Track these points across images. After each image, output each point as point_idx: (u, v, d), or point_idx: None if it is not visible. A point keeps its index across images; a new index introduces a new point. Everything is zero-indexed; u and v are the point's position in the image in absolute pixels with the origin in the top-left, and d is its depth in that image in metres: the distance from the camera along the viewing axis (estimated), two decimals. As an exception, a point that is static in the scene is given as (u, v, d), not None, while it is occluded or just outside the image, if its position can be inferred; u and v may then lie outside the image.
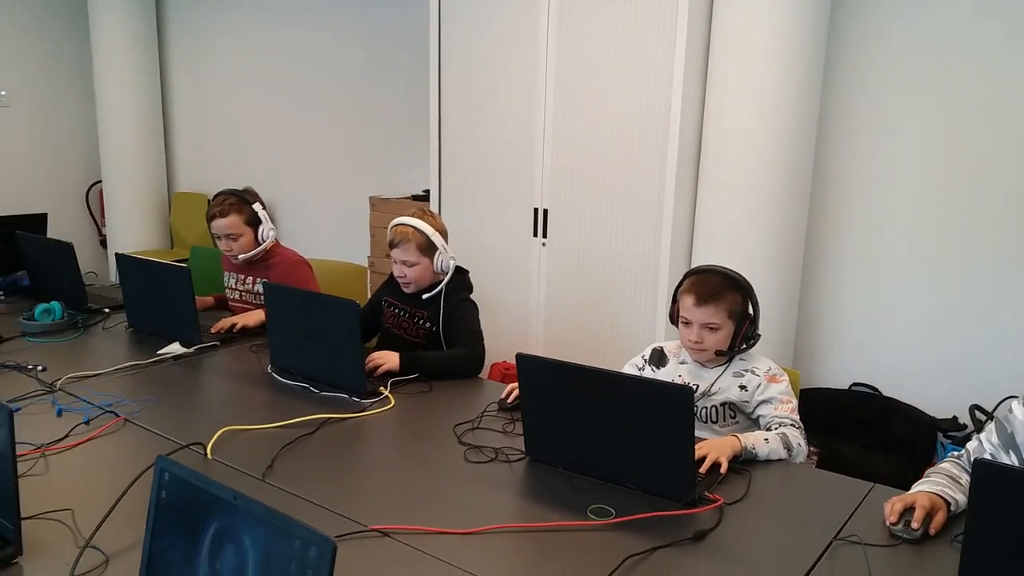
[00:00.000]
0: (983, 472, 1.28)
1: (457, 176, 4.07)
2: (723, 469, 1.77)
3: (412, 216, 2.58)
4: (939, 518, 1.55)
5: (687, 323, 2.11)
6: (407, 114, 4.92)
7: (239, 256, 2.97)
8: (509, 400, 2.18)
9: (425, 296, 2.56)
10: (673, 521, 1.59)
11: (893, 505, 1.59)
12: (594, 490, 1.71)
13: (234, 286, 3.11)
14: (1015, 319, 3.13)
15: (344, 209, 5.45)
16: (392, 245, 2.56)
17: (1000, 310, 3.17)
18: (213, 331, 2.77)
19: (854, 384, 3.54)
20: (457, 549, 1.48)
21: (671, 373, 2.21)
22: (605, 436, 1.72)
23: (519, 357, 1.80)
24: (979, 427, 3.06)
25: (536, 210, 3.78)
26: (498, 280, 3.91)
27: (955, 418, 3.24)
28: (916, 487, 1.66)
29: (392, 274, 2.68)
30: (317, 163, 5.64)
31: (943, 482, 1.64)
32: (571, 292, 3.74)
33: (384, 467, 1.89)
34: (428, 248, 2.53)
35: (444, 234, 2.58)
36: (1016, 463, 1.64)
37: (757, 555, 1.50)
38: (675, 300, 2.16)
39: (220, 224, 2.95)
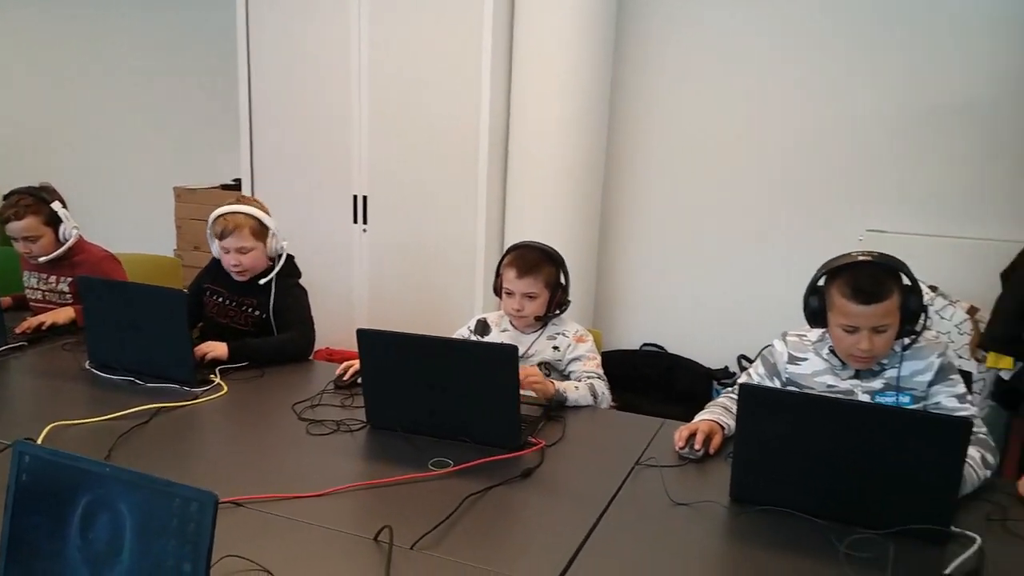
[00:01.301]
0: (745, 393, 1.61)
1: (271, 164, 4.06)
2: (531, 381, 2.09)
3: (237, 203, 2.59)
4: (716, 440, 1.90)
5: (510, 293, 2.35)
6: (213, 102, 4.79)
7: (40, 258, 2.82)
8: (345, 377, 2.30)
9: (261, 282, 2.58)
10: (504, 464, 1.80)
11: (680, 432, 1.91)
12: (433, 447, 1.88)
13: (36, 286, 2.94)
14: (771, 285, 3.69)
15: (147, 201, 5.20)
16: (222, 235, 2.54)
17: (760, 277, 3.72)
18: (19, 331, 2.62)
19: (644, 344, 4.00)
20: (309, 510, 1.60)
21: (494, 340, 2.43)
22: (441, 397, 1.90)
23: (360, 332, 1.94)
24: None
25: (355, 197, 3.87)
26: (318, 267, 3.93)
27: (726, 368, 3.78)
28: (697, 417, 2.00)
29: (211, 264, 2.67)
30: (117, 155, 5.33)
31: (719, 411, 1.99)
32: (394, 276, 3.89)
33: (227, 447, 1.95)
34: (261, 232, 2.55)
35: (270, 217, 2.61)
36: (779, 386, 2.03)
37: (575, 484, 1.76)
38: (498, 274, 2.39)
39: (16, 227, 2.77)
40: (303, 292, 2.66)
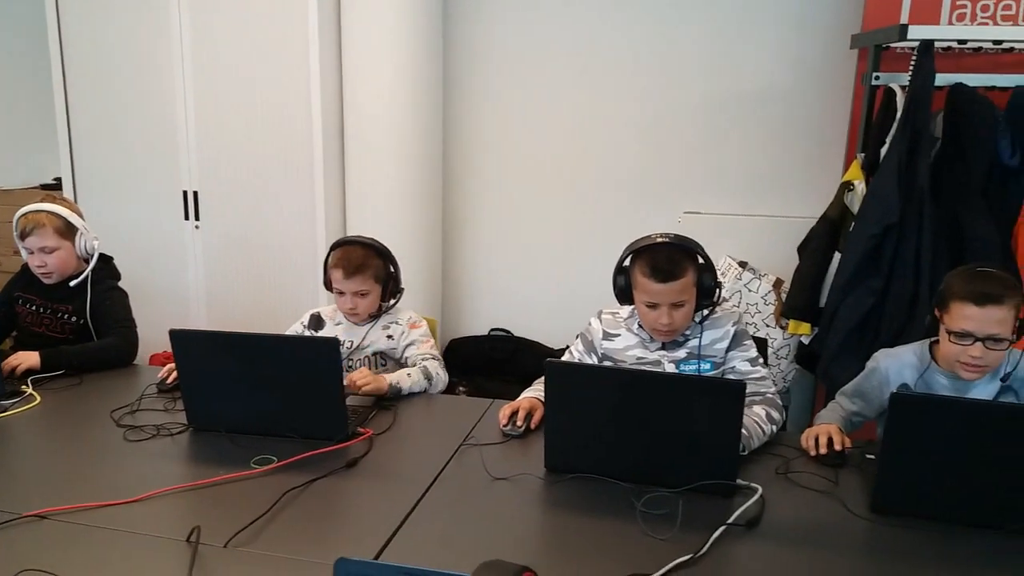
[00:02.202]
0: (550, 369, 1.71)
1: (94, 161, 3.83)
2: (366, 389, 2.11)
3: (41, 202, 2.45)
4: (537, 415, 2.00)
5: (341, 293, 2.35)
6: (27, 98, 4.46)
7: None
8: (168, 380, 2.23)
9: (72, 284, 2.45)
10: (330, 456, 1.82)
11: (503, 411, 2.01)
12: (258, 445, 1.87)
13: None
14: (600, 268, 3.83)
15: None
16: (24, 235, 2.40)
17: (590, 261, 3.89)
18: None
19: (493, 329, 4.10)
20: (121, 517, 1.56)
21: (328, 334, 2.43)
22: (263, 394, 1.89)
23: (172, 333, 1.89)
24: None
25: (185, 192, 3.73)
26: (149, 267, 3.79)
27: (567, 347, 3.93)
28: (522, 395, 2.10)
29: (22, 270, 2.52)
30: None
31: (540, 388, 2.10)
32: (232, 274, 3.78)
33: (36, 459, 1.86)
34: (67, 231, 2.42)
35: (80, 217, 2.49)
36: (596, 361, 2.16)
37: (400, 469, 1.81)
38: (326, 271, 2.39)
39: None
40: (123, 295, 2.55)
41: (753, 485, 1.69)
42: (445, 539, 1.52)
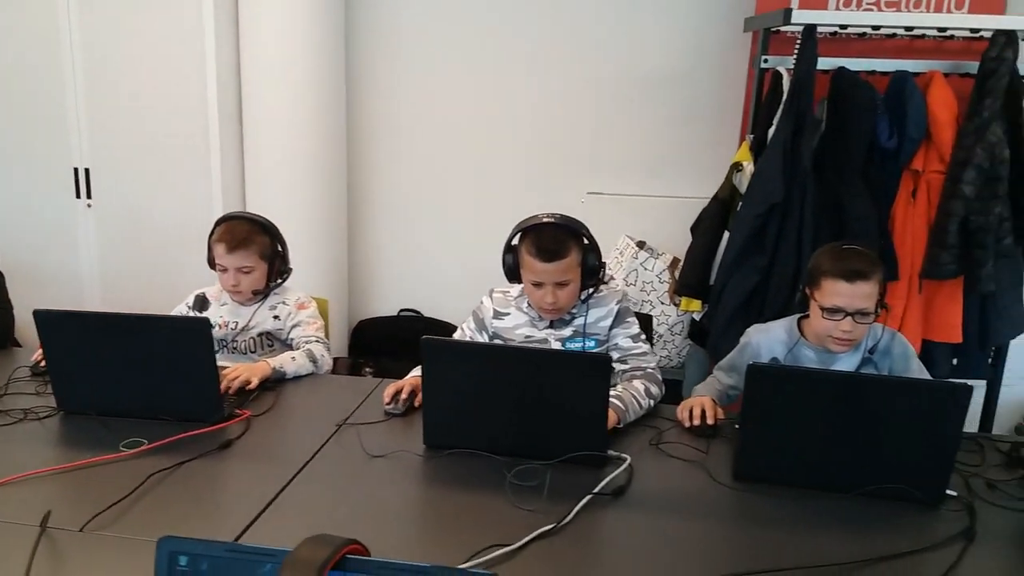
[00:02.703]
0: (426, 347, 1.71)
1: (-28, 136, 3.64)
2: (251, 386, 2.03)
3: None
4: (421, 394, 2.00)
5: (224, 269, 2.30)
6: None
7: None
8: (41, 364, 2.15)
9: None
10: (204, 438, 1.79)
11: (387, 390, 2.00)
12: (130, 428, 1.82)
13: None
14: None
15: None
16: None
17: (495, 242, 3.88)
18: None
19: (402, 310, 4.08)
20: (-24, 505, 1.51)
21: (214, 315, 2.38)
22: (136, 376, 1.84)
23: (36, 314, 1.83)
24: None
25: (76, 170, 3.57)
26: (39, 248, 3.63)
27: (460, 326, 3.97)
28: (409, 374, 2.10)
29: None
30: None
31: (426, 367, 2.10)
32: (126, 253, 3.65)
33: None
34: None
35: None
36: (487, 339, 2.17)
37: (276, 449, 1.79)
38: (210, 247, 2.33)
39: None
40: (-4, 275, 2.45)
41: (623, 456, 1.73)
42: (313, 518, 1.51)
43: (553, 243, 1.98)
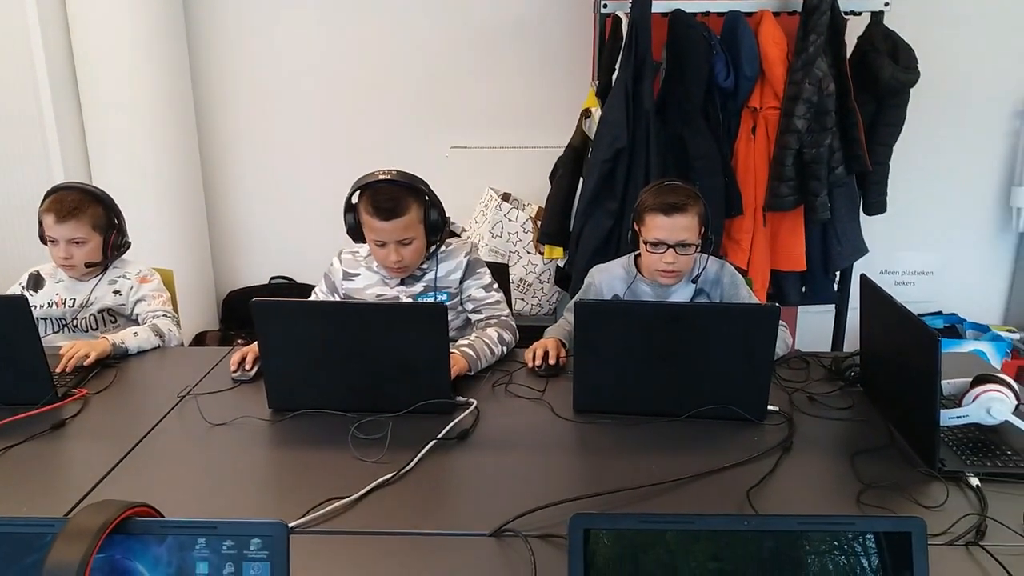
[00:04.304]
0: (257, 309, 1.69)
1: None
2: (88, 362, 1.97)
3: None
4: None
5: (54, 241, 2.18)
6: None
7: None
8: None
9: None
10: (35, 420, 1.72)
11: (233, 357, 1.97)
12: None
13: None
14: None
15: None
16: None
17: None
18: None
19: (273, 277, 3.99)
20: None
21: (50, 292, 2.27)
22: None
23: None
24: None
25: None
26: None
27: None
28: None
29: None
30: None
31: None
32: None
33: None
34: None
35: None
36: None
37: (115, 426, 1.74)
38: (40, 221, 2.20)
39: None
40: None
41: (470, 400, 1.77)
42: (146, 491, 1.48)
43: (390, 201, 1.97)
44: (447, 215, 2.10)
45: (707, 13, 2.92)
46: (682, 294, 2.10)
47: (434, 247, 2.12)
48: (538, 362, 1.97)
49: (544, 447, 1.65)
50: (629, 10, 2.80)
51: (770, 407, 1.73)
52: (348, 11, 3.62)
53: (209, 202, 3.80)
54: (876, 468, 1.52)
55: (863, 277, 1.78)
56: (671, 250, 1.98)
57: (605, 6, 2.92)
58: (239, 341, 3.67)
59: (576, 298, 2.21)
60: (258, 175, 3.88)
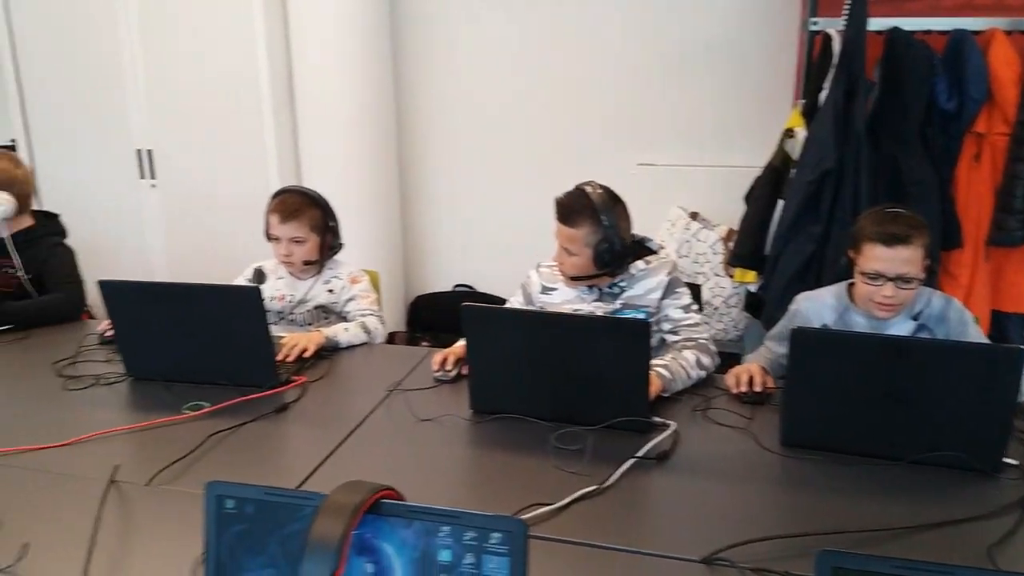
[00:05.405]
0: (467, 313, 1.74)
1: (47, 123, 3.82)
2: (307, 354, 2.11)
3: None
4: (469, 362, 2.04)
5: (277, 240, 2.37)
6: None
7: None
8: (108, 333, 2.26)
9: (17, 241, 2.46)
10: (261, 402, 1.87)
11: (435, 357, 2.05)
12: (193, 392, 1.91)
13: None
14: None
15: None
16: None
17: (547, 219, 3.89)
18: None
19: (456, 285, 4.14)
20: (52, 460, 1.61)
21: (272, 288, 2.46)
22: (196, 343, 1.93)
23: (102, 284, 1.93)
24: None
25: (139, 151, 3.72)
26: (106, 226, 3.80)
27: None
28: (457, 343, 2.13)
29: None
30: None
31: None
32: (189, 231, 3.79)
33: (-27, 410, 1.90)
34: None
35: (12, 181, 2.47)
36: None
37: (330, 413, 1.86)
38: (266, 220, 2.40)
39: None
40: (68, 251, 2.58)
41: (668, 422, 1.74)
42: (364, 474, 1.54)
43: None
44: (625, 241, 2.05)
45: (928, 31, 2.73)
46: (901, 328, 1.96)
47: (639, 264, 2.10)
48: (742, 388, 1.90)
49: (748, 478, 1.58)
50: (842, 28, 2.68)
51: (1006, 459, 1.57)
52: (544, 27, 3.70)
53: (403, 211, 4.00)
54: None
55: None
56: (890, 283, 1.85)
57: (815, 23, 2.80)
58: (424, 343, 3.82)
59: (780, 326, 2.12)
60: (449, 188, 4.04)
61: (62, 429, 1.73)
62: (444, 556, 0.93)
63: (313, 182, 3.61)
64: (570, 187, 2.10)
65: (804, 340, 1.62)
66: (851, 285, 2.02)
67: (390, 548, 0.94)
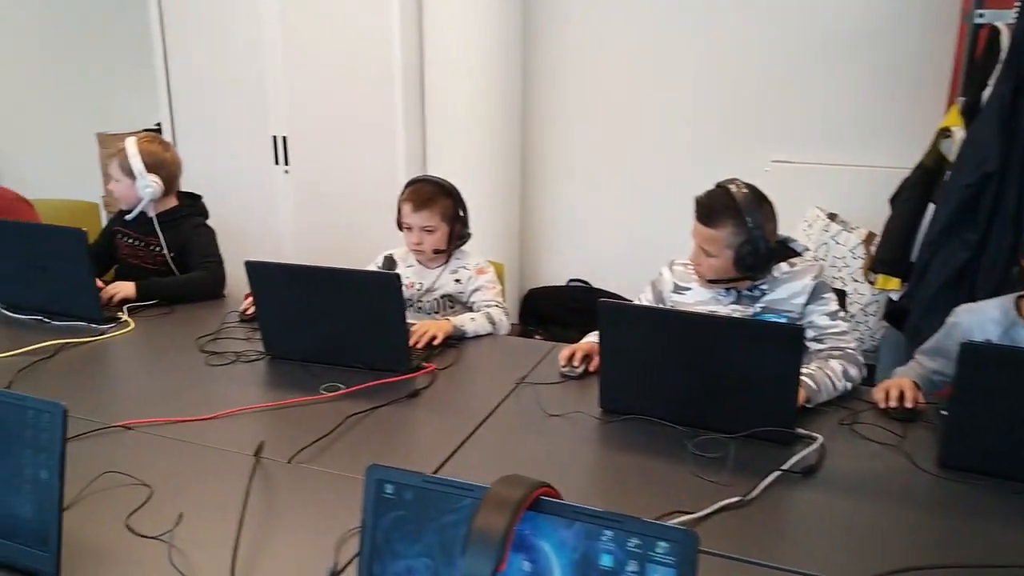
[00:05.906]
0: (604, 310, 1.70)
1: (190, 108, 4.02)
2: (437, 342, 2.12)
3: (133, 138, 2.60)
4: (595, 360, 1.98)
5: (409, 228, 2.40)
6: (130, 46, 4.68)
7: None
8: (249, 312, 2.34)
9: (137, 211, 2.59)
10: (395, 386, 1.89)
11: (563, 353, 2.01)
12: (329, 373, 1.95)
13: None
14: (684, 217, 3.77)
15: (70, 147, 5.09)
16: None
17: (673, 210, 3.78)
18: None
19: (571, 280, 4.10)
20: (197, 432, 1.67)
21: (401, 276, 2.48)
22: (333, 325, 1.97)
23: (248, 264, 1.99)
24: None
25: (275, 138, 3.86)
26: (241, 209, 3.96)
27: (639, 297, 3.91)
28: (583, 339, 2.10)
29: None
30: (36, 100, 5.18)
31: (602, 333, 2.09)
32: (319, 216, 3.91)
33: (127, 377, 2.01)
34: (128, 168, 2.56)
35: (161, 164, 2.59)
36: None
37: (460, 401, 1.86)
38: (399, 209, 2.43)
39: None
40: (210, 231, 2.69)
41: (814, 434, 1.64)
42: (496, 465, 1.55)
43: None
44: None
45: (1118, 23, 2.47)
46: (1080, 349, 1.78)
47: (782, 266, 1.99)
48: (892, 403, 1.77)
49: (903, 499, 1.47)
50: (1012, 21, 2.46)
51: None
52: (672, 15, 3.60)
53: (523, 202, 3.99)
54: None
55: None
56: None
57: (981, 16, 2.60)
58: (537, 337, 3.81)
59: (934, 339, 1.97)
60: (568, 181, 4.01)
61: (205, 403, 1.80)
62: (605, 561, 0.90)
63: (438, 173, 3.65)
64: (701, 184, 2.01)
65: (974, 355, 1.49)
66: (1020, 298, 1.86)
67: (548, 547, 0.92)
